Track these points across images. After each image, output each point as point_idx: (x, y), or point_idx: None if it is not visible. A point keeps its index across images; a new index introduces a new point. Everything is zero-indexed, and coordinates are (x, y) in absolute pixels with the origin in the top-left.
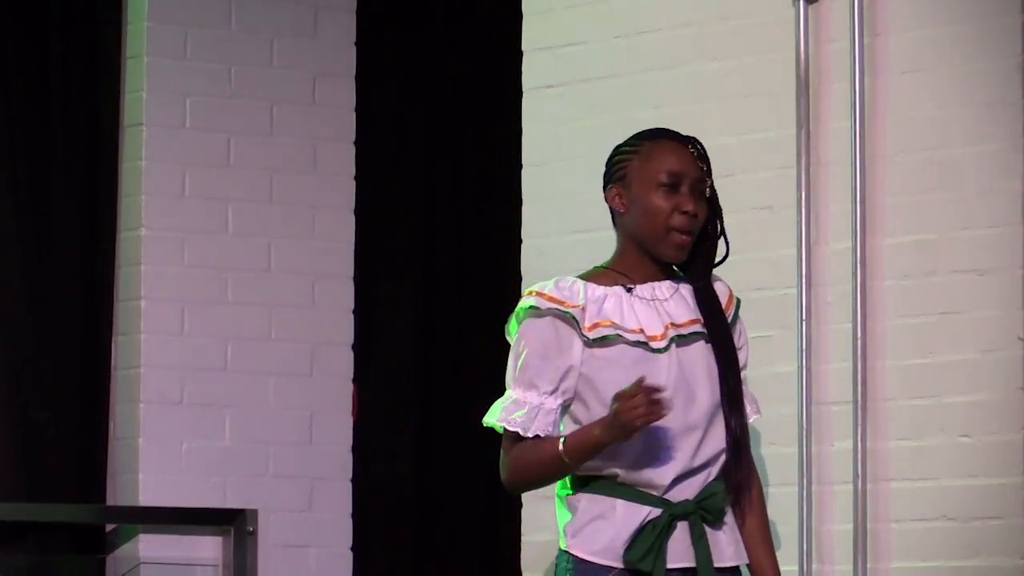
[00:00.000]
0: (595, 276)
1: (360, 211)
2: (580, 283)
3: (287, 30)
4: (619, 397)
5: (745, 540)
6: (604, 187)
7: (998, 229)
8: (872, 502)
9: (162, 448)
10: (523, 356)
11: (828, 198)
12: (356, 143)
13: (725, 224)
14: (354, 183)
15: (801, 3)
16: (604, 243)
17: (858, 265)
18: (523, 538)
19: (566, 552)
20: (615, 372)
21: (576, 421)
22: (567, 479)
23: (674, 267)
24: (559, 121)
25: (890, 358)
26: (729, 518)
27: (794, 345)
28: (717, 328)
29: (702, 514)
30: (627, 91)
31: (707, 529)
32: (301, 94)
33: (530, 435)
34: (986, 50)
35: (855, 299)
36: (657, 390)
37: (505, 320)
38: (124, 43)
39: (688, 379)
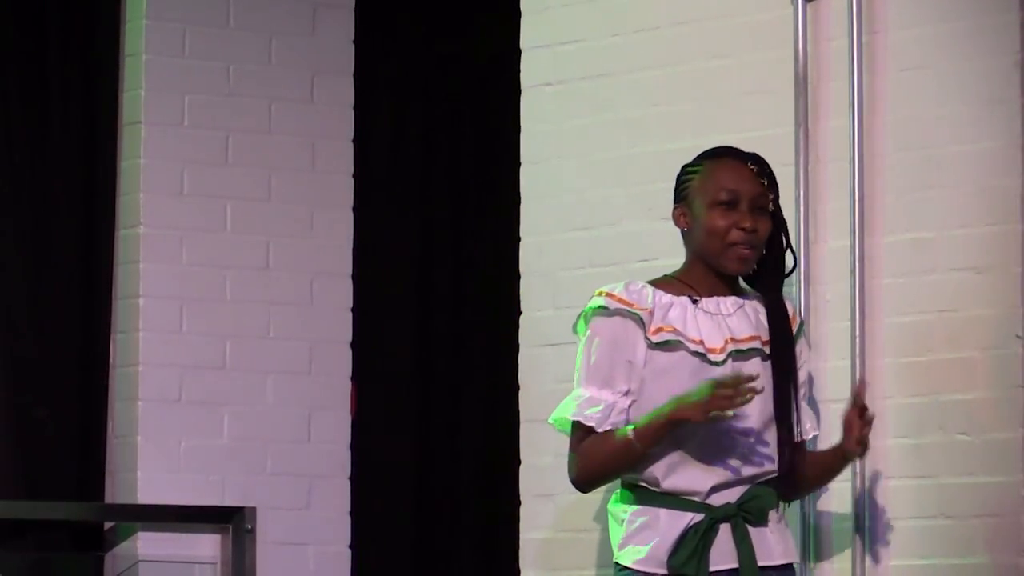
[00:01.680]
0: (663, 284)
1: (359, 209)
2: (649, 288)
3: (286, 28)
4: (718, 385)
5: (812, 468)
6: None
7: (996, 227)
8: (871, 500)
9: (161, 446)
10: (595, 354)
11: (826, 196)
12: (355, 141)
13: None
14: (353, 181)
15: (799, 1)
16: (603, 241)
17: (856, 263)
18: (521, 536)
19: (617, 563)
20: (671, 379)
21: (627, 421)
22: (618, 493)
23: (743, 283)
24: (558, 119)
25: (889, 356)
26: (779, 518)
27: None
28: (780, 343)
29: (744, 515)
30: (625, 89)
31: (752, 529)
32: (300, 92)
33: (601, 431)
34: (984, 48)
35: (853, 297)
36: (751, 379)
37: (505, 319)
38: (122, 41)
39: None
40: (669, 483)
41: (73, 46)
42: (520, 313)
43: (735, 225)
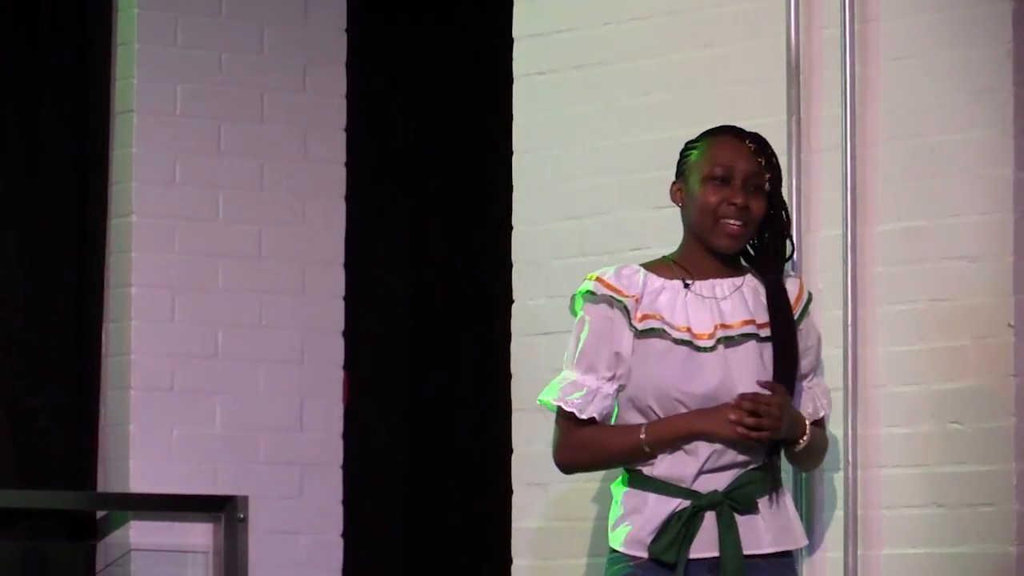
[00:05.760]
0: (658, 267)
1: (351, 198)
2: (641, 272)
3: (278, 17)
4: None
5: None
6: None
7: (988, 216)
8: (863, 489)
9: (153, 435)
10: (582, 340)
11: (819, 185)
12: (347, 130)
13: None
14: (345, 170)
15: None
16: (596, 230)
17: (849, 252)
18: (514, 524)
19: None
20: (659, 367)
21: (612, 406)
22: (622, 474)
23: (743, 262)
24: (550, 108)
25: (881, 345)
26: (773, 505)
27: None
28: (780, 327)
29: (731, 503)
30: (618, 78)
31: (742, 517)
32: (292, 81)
33: (584, 416)
34: (976, 37)
35: (846, 286)
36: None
37: (498, 308)
38: (114, 30)
39: (733, 380)
40: (656, 468)
41: (65, 35)
42: (512, 302)
43: (726, 200)
